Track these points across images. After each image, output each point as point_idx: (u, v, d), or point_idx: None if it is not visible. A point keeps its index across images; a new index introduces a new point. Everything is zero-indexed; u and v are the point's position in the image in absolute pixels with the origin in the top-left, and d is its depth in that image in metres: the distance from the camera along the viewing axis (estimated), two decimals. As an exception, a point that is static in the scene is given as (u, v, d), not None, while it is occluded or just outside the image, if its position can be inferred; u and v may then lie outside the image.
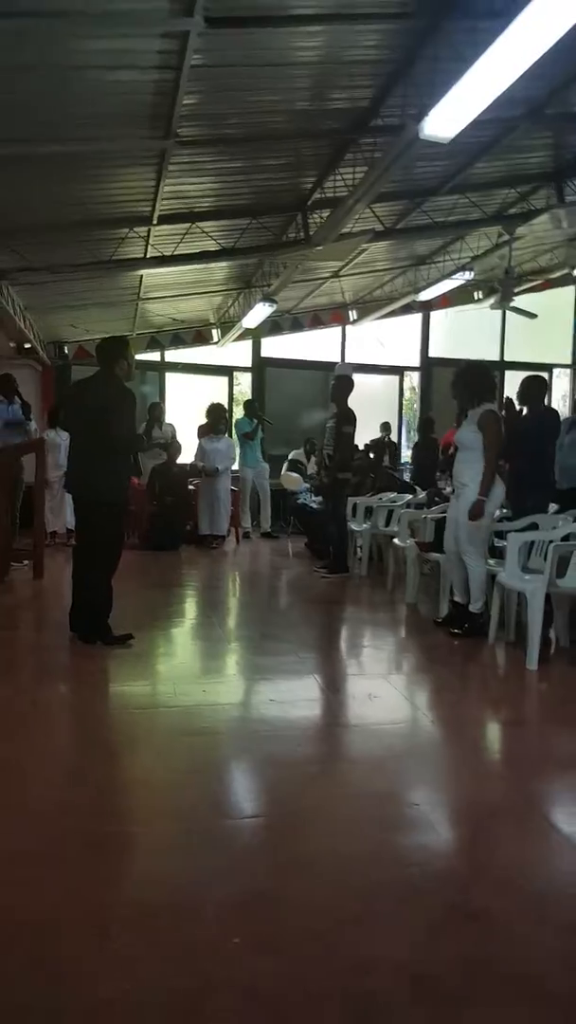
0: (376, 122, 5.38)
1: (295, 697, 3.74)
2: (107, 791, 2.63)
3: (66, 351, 11.07)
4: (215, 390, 11.68)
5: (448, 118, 4.31)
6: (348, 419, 6.92)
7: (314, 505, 8.85)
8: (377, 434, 10.29)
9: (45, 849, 2.19)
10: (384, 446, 10.26)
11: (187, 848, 2.26)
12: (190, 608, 6.11)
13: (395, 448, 11.06)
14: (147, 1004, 1.59)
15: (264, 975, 1.69)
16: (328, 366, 11.43)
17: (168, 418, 9.90)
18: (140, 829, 2.40)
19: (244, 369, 12.08)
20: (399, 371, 12.64)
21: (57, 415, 8.82)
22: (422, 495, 7.56)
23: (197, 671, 4.36)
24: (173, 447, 9.22)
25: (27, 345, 9.35)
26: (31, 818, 2.39)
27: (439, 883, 2.09)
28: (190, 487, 9.41)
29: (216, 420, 9.43)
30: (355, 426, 6.96)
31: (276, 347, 12.09)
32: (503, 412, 5.06)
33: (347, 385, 7.12)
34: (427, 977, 1.70)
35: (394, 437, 11.53)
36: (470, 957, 1.76)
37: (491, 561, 4.76)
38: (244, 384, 12.16)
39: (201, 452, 9.22)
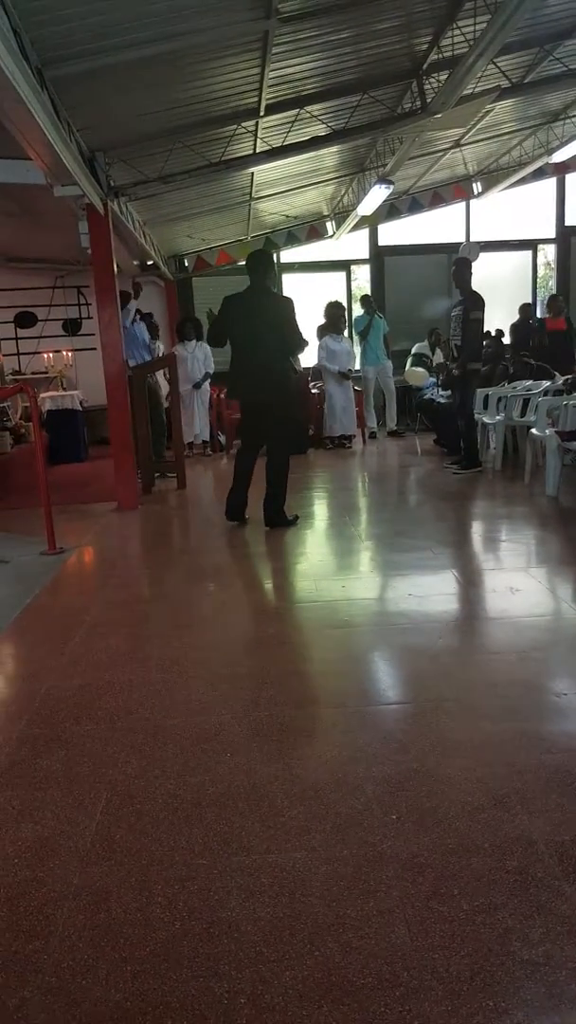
0: (499, -41, 4.79)
1: (433, 591, 3.77)
2: (262, 681, 2.81)
3: (186, 264, 11.10)
4: (333, 286, 11.38)
5: None
6: (475, 304, 6.55)
7: (442, 400, 8.58)
8: (515, 317, 9.65)
9: (213, 735, 2.39)
10: (527, 330, 9.62)
11: (342, 731, 2.39)
12: (322, 509, 6.21)
13: (543, 328, 10.15)
14: (316, 872, 1.74)
15: (425, 849, 1.80)
16: (452, 248, 10.80)
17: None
18: (295, 714, 2.56)
19: (362, 261, 11.63)
20: (532, 245, 11.69)
21: (184, 331, 9.00)
22: (560, 381, 7.13)
23: (335, 568, 4.47)
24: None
25: (149, 262, 9.44)
26: (199, 707, 2.61)
27: (592, 768, 2.10)
28: (313, 390, 9.38)
29: (335, 319, 9.23)
30: (483, 311, 6.59)
31: (394, 234, 11.51)
32: None
33: (467, 267, 6.72)
34: (583, 854, 1.74)
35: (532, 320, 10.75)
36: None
37: None
38: (363, 278, 11.74)
39: (326, 353, 9.11)
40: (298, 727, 2.46)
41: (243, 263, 10.87)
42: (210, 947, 1.54)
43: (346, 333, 9.53)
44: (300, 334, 5.12)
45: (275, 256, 11.23)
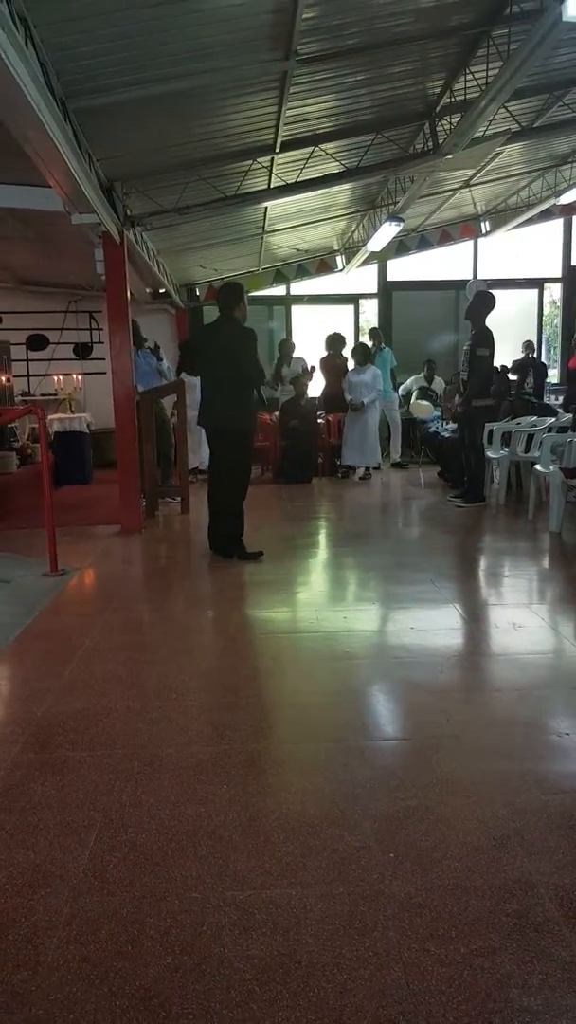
0: (511, 9, 4.92)
1: (435, 625, 3.75)
2: (260, 711, 2.79)
3: (197, 293, 11.25)
4: (341, 319, 11.51)
5: (596, -6, 3.87)
6: (483, 341, 6.61)
7: (446, 433, 8.63)
8: (519, 354, 9.74)
9: (210, 765, 2.37)
10: (528, 367, 9.72)
11: (339, 766, 2.37)
12: (325, 538, 6.21)
13: (542, 369, 10.31)
14: (312, 910, 1.71)
15: (423, 889, 1.77)
16: (459, 284, 10.91)
17: (296, 352, 9.87)
18: (294, 747, 2.54)
19: (370, 296, 11.78)
20: (538, 284, 11.84)
21: (185, 361, 9.11)
22: (565, 418, 7.17)
23: (336, 598, 4.46)
24: (300, 382, 9.23)
25: (161, 290, 9.57)
26: (197, 736, 2.58)
27: (593, 811, 2.07)
28: (320, 420, 9.43)
29: (359, 349, 9.34)
30: (493, 348, 6.65)
31: (403, 269, 11.66)
32: None
33: (485, 302, 6.76)
34: (583, 899, 1.71)
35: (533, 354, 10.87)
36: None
37: None
38: (370, 312, 11.88)
39: (348, 385, 9.17)
40: (296, 760, 2.44)
41: (255, 293, 11.15)
42: (201, 984, 1.51)
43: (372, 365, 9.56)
44: (258, 366, 5.11)
45: (286, 287, 11.42)
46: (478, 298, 6.78)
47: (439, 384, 10.42)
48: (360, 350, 9.38)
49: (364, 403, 8.97)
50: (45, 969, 1.55)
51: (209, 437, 5.31)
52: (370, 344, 9.95)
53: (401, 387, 10.45)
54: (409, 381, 10.52)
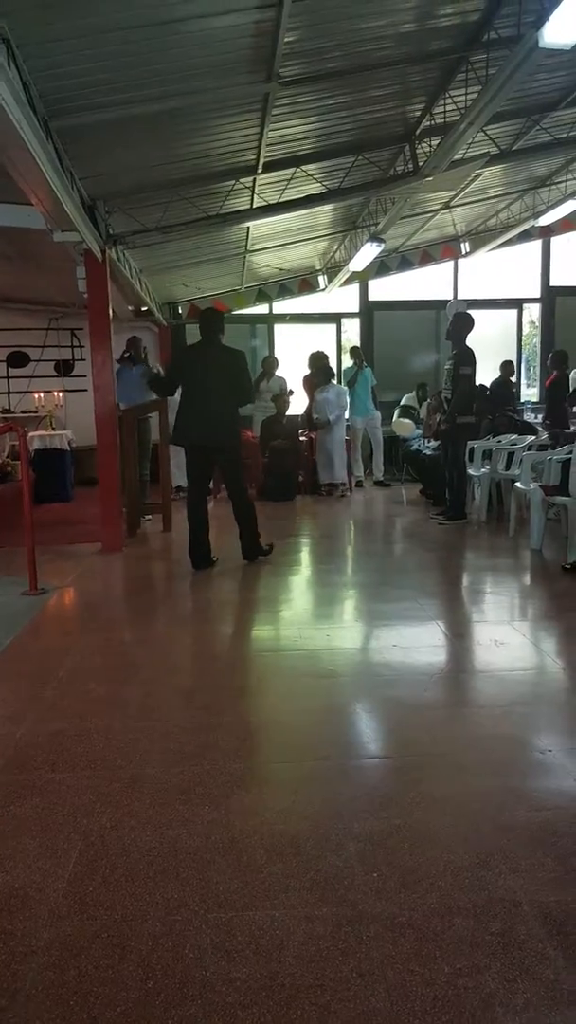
0: (489, 35, 5.03)
1: (418, 643, 3.76)
2: (243, 731, 2.77)
3: (180, 311, 11.29)
4: (323, 338, 11.59)
5: (570, 22, 3.97)
6: (465, 359, 6.69)
7: (428, 451, 8.69)
8: (496, 374, 9.85)
9: (192, 786, 2.34)
10: (508, 387, 9.81)
11: (322, 785, 2.35)
12: (308, 555, 6.21)
13: (514, 388, 10.49)
14: (295, 931, 1.69)
15: (407, 908, 1.75)
16: (439, 304, 11.08)
17: (278, 370, 9.92)
18: (277, 766, 2.52)
19: (352, 315, 11.88)
20: (518, 304, 12.01)
21: (164, 384, 9.14)
22: (544, 436, 7.25)
23: (319, 616, 4.45)
24: (281, 399, 9.27)
25: (144, 308, 9.59)
26: (179, 757, 2.55)
27: (576, 827, 2.07)
28: (302, 438, 9.47)
29: (321, 368, 9.40)
30: (474, 367, 6.73)
31: (384, 289, 11.80)
32: None
33: (465, 323, 6.87)
34: (568, 918, 1.71)
35: (513, 377, 10.99)
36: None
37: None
38: (352, 331, 11.97)
39: (316, 404, 9.24)
40: (279, 780, 2.42)
41: (237, 312, 11.20)
42: (183, 1009, 1.48)
43: (334, 381, 9.64)
44: (251, 384, 5.62)
45: (268, 306, 11.50)
46: (457, 319, 6.89)
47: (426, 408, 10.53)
48: (323, 370, 9.45)
49: (330, 420, 9.05)
50: (23, 996, 1.51)
51: (196, 452, 5.35)
52: (351, 363, 10.02)
53: (402, 401, 10.56)
54: (405, 399, 10.61)
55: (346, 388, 9.58)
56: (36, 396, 10.36)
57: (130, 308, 9.69)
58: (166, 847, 2.01)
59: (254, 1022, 1.44)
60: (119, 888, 1.85)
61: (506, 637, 3.76)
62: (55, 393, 10.48)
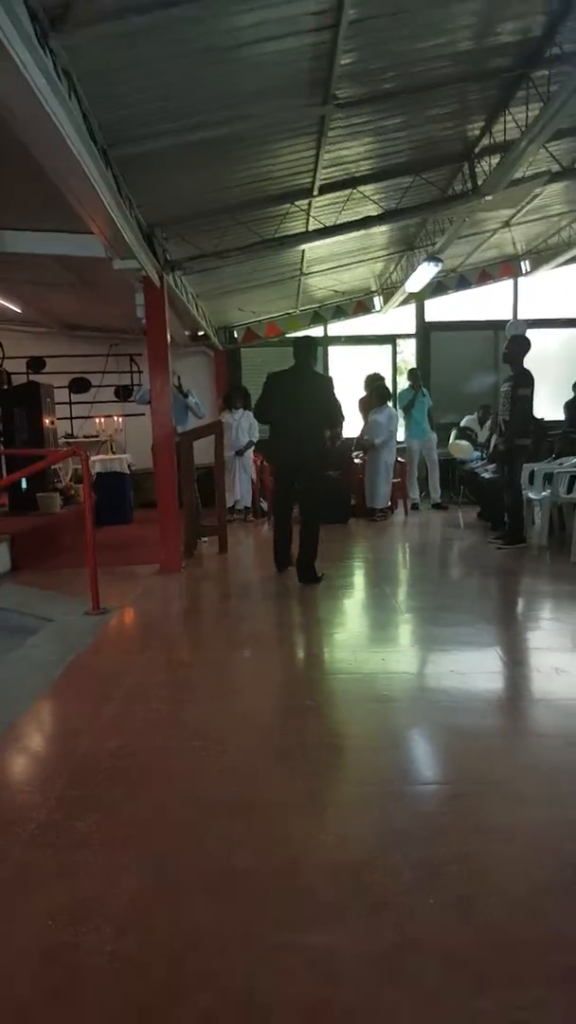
0: (551, 51, 4.99)
1: (476, 669, 3.68)
2: (300, 754, 2.75)
3: (235, 335, 11.46)
4: (378, 359, 11.58)
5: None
6: (524, 381, 6.60)
7: (486, 473, 8.56)
8: (559, 394, 9.65)
9: (248, 807, 2.34)
10: None
11: (379, 810, 2.32)
12: (363, 579, 6.17)
13: None
14: (349, 957, 1.67)
15: (464, 939, 1.71)
16: (499, 324, 10.93)
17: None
18: (333, 789, 2.50)
19: (408, 336, 11.84)
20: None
21: (231, 399, 9.28)
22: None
23: (374, 640, 4.41)
24: (334, 432, 9.24)
25: (200, 332, 9.77)
26: (235, 777, 2.56)
27: None
28: (356, 460, 9.46)
29: (375, 390, 9.36)
30: (533, 388, 6.63)
31: (441, 309, 11.72)
32: None
33: (522, 345, 6.79)
34: None
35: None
36: None
37: None
38: (408, 351, 11.93)
39: (372, 427, 9.22)
40: (335, 803, 2.40)
41: (290, 335, 11.31)
42: (239, 1032, 1.47)
43: (389, 403, 9.59)
44: (340, 406, 5.79)
45: (323, 328, 11.57)
46: (514, 342, 6.83)
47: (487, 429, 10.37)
48: (378, 391, 9.37)
49: (376, 443, 8.98)
50: (86, 1007, 1.53)
51: (283, 472, 5.86)
52: (407, 384, 9.96)
53: (462, 423, 10.44)
54: (465, 420, 10.47)
55: (399, 412, 9.48)
56: (97, 421, 10.64)
57: (187, 333, 9.89)
58: (222, 866, 2.01)
59: (310, 1050, 1.42)
60: (177, 904, 1.86)
61: (567, 665, 3.65)
62: (115, 418, 10.74)
